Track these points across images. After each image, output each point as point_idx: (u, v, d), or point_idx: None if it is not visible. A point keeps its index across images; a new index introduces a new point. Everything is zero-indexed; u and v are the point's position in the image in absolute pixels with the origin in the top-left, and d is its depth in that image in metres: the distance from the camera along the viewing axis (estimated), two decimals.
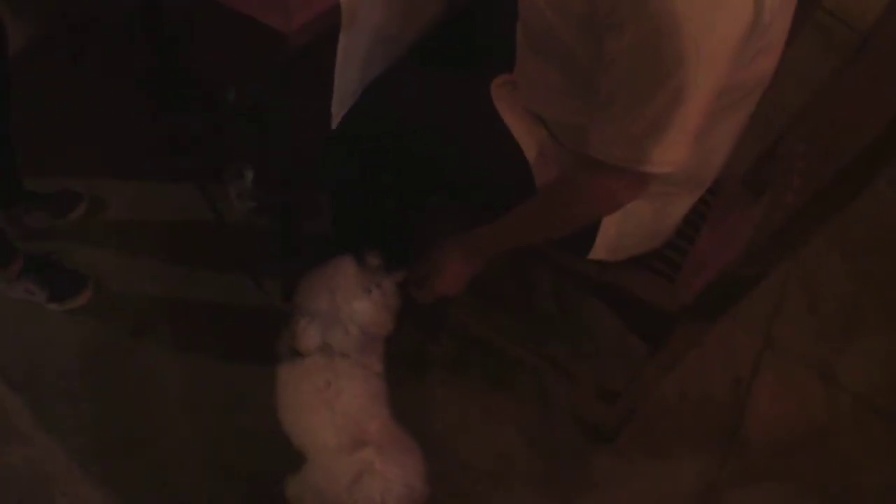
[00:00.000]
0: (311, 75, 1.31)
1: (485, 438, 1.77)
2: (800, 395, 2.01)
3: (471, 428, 1.77)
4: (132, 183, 2.02)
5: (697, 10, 0.94)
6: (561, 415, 1.82)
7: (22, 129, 1.70)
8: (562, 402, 1.84)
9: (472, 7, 1.61)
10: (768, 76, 1.20)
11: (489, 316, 1.95)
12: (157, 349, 1.76)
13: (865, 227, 2.37)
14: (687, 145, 1.10)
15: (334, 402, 1.42)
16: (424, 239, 1.58)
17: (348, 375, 1.45)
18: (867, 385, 2.08)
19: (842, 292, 2.27)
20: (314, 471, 1.40)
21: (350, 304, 1.47)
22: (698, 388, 1.92)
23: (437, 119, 1.38)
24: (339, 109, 1.38)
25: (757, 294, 1.30)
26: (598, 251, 1.39)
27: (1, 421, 1.62)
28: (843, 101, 1.44)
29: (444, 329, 1.84)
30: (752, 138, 1.38)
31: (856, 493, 1.88)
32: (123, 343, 1.76)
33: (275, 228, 1.78)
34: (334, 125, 1.40)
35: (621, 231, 1.37)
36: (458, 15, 1.59)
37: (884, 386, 2.09)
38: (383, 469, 1.33)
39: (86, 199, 1.93)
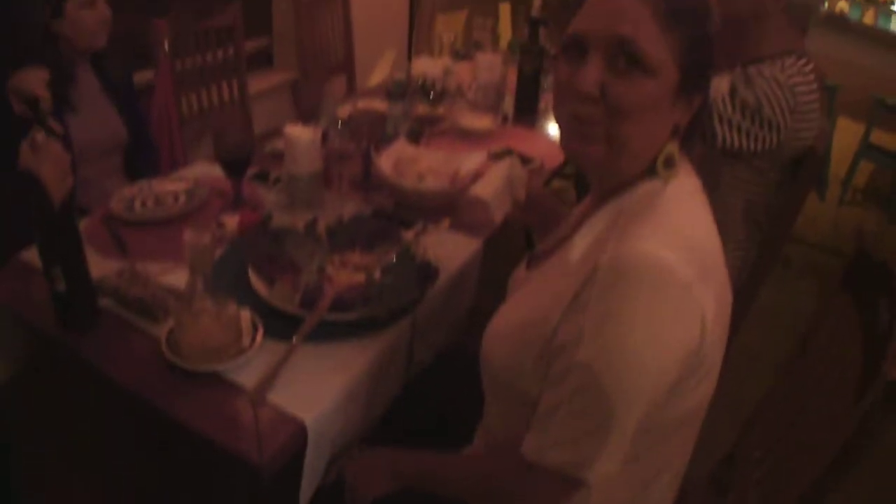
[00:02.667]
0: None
1: None
2: None
3: None
4: None
5: (648, 343, 1.02)
6: None
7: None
8: None
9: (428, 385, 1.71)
10: (709, 397, 1.23)
11: None
12: None
13: None
14: (621, 459, 1.11)
15: None
16: None
17: None
18: None
19: None
20: None
21: None
22: None
23: None
24: (307, 494, 1.42)
25: None
26: None
27: None
28: (790, 405, 1.51)
29: None
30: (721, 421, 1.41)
31: None
32: None
33: None
34: None
35: None
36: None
37: None
38: None
39: None
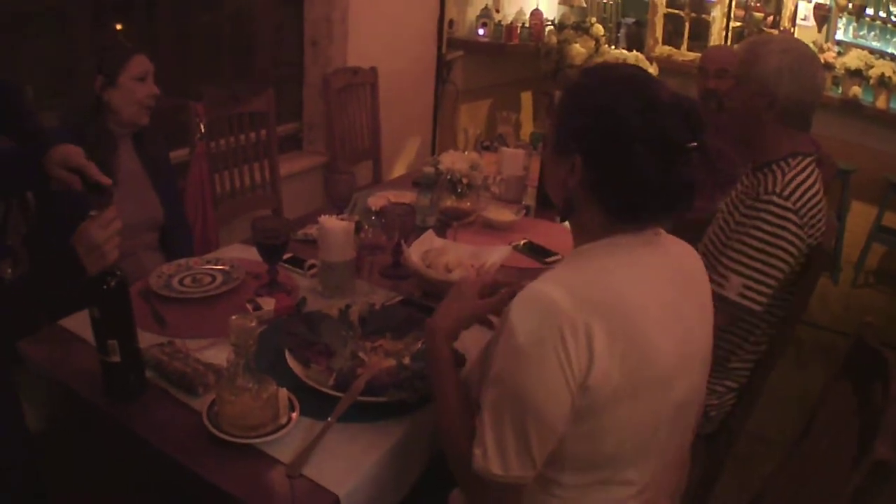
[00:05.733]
0: None
1: None
2: None
3: None
4: None
5: (537, 350, 1.22)
6: None
7: None
8: None
9: None
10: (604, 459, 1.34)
11: None
12: None
13: None
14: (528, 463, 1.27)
15: None
16: None
17: None
18: None
19: None
20: None
21: None
22: None
23: None
24: None
25: None
26: None
27: None
28: (794, 481, 1.58)
29: None
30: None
31: None
32: None
33: None
34: None
35: None
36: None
37: None
38: None
39: None
